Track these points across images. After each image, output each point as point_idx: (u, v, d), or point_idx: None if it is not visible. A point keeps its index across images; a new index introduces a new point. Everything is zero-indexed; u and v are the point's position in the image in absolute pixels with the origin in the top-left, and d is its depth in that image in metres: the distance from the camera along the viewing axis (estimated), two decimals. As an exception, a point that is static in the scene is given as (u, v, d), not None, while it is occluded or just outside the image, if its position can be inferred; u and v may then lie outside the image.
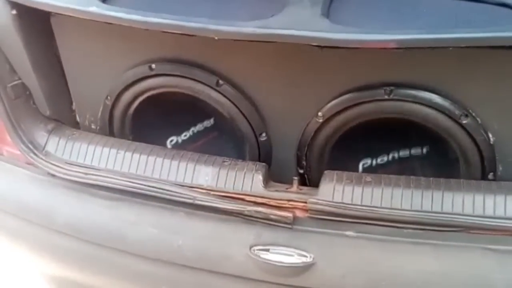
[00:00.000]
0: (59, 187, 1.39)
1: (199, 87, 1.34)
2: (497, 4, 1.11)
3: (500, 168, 1.24)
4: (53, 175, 1.38)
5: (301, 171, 1.40)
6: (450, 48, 1.05)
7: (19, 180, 1.44)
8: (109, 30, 1.26)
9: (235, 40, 1.13)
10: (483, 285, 1.14)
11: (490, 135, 1.22)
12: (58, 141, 1.42)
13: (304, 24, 1.04)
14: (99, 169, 1.35)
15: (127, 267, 1.35)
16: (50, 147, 1.42)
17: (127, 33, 1.28)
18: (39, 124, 1.44)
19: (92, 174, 1.34)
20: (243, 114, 1.35)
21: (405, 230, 1.17)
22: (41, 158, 1.39)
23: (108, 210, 1.34)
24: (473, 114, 1.20)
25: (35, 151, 1.40)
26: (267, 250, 1.23)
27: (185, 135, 1.57)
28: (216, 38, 1.09)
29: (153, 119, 1.50)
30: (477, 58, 1.13)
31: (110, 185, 1.32)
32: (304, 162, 1.38)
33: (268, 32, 1.05)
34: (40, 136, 1.43)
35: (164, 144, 1.55)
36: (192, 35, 1.15)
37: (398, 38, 0.99)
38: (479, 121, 1.21)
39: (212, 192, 1.27)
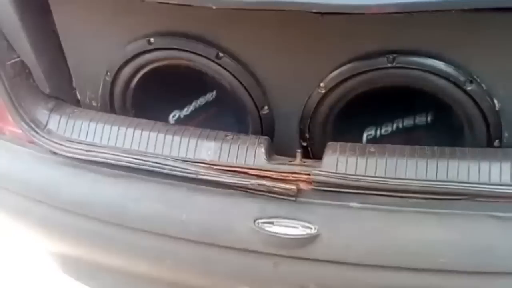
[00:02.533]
0: (62, 165, 1.38)
1: (199, 60, 1.33)
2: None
3: (506, 135, 1.22)
4: (55, 153, 1.37)
5: (304, 144, 1.39)
6: (453, 11, 1.03)
7: (21, 159, 1.44)
8: (106, 4, 1.25)
9: (234, 10, 1.11)
10: (488, 253, 1.13)
11: (496, 102, 1.19)
12: (59, 119, 1.41)
13: (302, -10, 1.02)
14: (101, 146, 1.35)
15: (131, 243, 1.36)
16: (52, 125, 1.41)
17: (125, 7, 1.27)
18: (39, 102, 1.44)
19: (94, 151, 1.33)
20: (244, 87, 1.34)
21: (409, 200, 1.16)
22: (43, 137, 1.38)
23: (111, 186, 1.34)
24: (478, 80, 1.18)
25: (37, 130, 1.39)
26: (272, 223, 1.22)
27: (187, 110, 1.56)
28: (213, 7, 1.07)
29: (155, 95, 1.49)
30: (481, 21, 1.10)
31: (112, 161, 1.32)
32: (307, 135, 1.37)
33: (267, 0, 1.03)
34: (41, 114, 1.42)
35: (166, 120, 1.55)
36: (190, 6, 1.12)
37: (399, 1, 0.97)
38: (484, 87, 1.18)
39: (215, 167, 1.26)
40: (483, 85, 1.18)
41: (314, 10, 1.05)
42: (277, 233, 1.21)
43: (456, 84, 1.19)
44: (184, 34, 1.31)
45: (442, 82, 1.19)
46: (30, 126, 1.40)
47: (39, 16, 1.38)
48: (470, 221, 1.14)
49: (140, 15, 1.32)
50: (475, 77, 1.18)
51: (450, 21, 1.11)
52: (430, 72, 1.19)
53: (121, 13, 1.33)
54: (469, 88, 1.18)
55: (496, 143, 1.23)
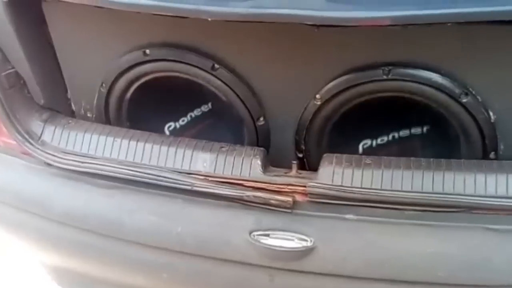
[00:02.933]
0: (56, 177, 1.38)
1: (195, 71, 1.32)
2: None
3: (502, 147, 1.23)
4: (49, 165, 1.36)
5: (300, 155, 1.38)
6: (449, 24, 1.03)
7: (15, 170, 1.43)
8: (102, 15, 1.24)
9: (229, 22, 1.10)
10: (485, 266, 1.13)
11: (491, 114, 1.20)
12: (54, 130, 1.40)
13: (298, 3, 1.02)
14: (96, 158, 1.34)
15: (126, 255, 1.35)
16: (46, 137, 1.41)
17: (120, 18, 1.27)
18: (34, 113, 1.43)
19: (89, 163, 1.33)
20: (240, 99, 1.33)
21: (406, 212, 1.16)
22: (37, 148, 1.37)
23: (106, 198, 1.33)
24: (473, 92, 1.18)
25: (31, 141, 1.39)
26: (267, 235, 1.22)
27: (183, 120, 1.56)
28: (209, 19, 1.07)
29: (150, 105, 1.48)
30: (476, 34, 1.11)
31: (107, 173, 1.31)
32: (302, 146, 1.37)
33: (262, 12, 1.03)
34: (36, 125, 1.42)
35: (162, 130, 1.54)
36: (185, 18, 1.12)
37: (393, 14, 0.97)
38: (480, 100, 1.19)
39: (210, 178, 1.26)
40: (479, 97, 1.18)
41: (310, 23, 1.06)
42: (273, 245, 1.20)
43: (452, 96, 1.19)
44: (179, 45, 1.31)
45: (437, 94, 1.20)
46: (24, 137, 1.39)
47: (34, 27, 1.38)
48: (467, 233, 1.14)
49: (136, 26, 1.31)
50: (470, 89, 1.18)
51: (445, 34, 1.12)
52: (425, 84, 1.19)
53: (116, 24, 1.33)
54: (464, 100, 1.18)
55: (492, 155, 1.23)
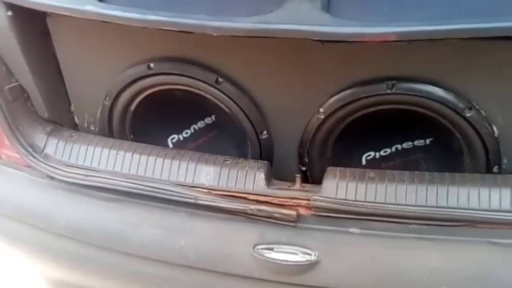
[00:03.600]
0: (59, 190, 1.37)
1: (199, 85, 1.33)
2: (499, -6, 1.10)
3: (505, 161, 1.23)
4: (52, 178, 1.36)
5: (304, 168, 1.39)
6: (453, 40, 1.04)
7: (18, 183, 1.43)
8: (106, 29, 1.25)
9: (234, 36, 1.11)
10: (489, 280, 1.13)
11: (495, 128, 1.20)
12: (57, 143, 1.41)
13: (304, 19, 1.03)
14: (99, 171, 1.34)
15: (129, 269, 1.34)
16: (49, 150, 1.41)
17: (125, 32, 1.27)
18: (37, 127, 1.43)
19: (92, 176, 1.33)
20: (244, 112, 1.34)
21: (410, 226, 1.16)
22: (40, 161, 1.37)
23: (109, 211, 1.33)
24: (477, 106, 1.19)
25: (34, 154, 1.39)
26: (271, 249, 1.21)
27: (186, 133, 1.56)
28: (214, 34, 1.07)
29: (153, 118, 1.49)
30: (480, 49, 1.12)
31: (110, 186, 1.31)
32: (306, 159, 1.37)
33: (268, 28, 1.04)
34: (39, 138, 1.42)
35: (165, 143, 1.55)
36: (190, 33, 1.13)
37: (399, 30, 0.98)
38: (483, 114, 1.19)
39: (214, 192, 1.26)
40: (482, 112, 1.19)
41: (315, 38, 1.06)
42: (277, 259, 1.20)
43: (455, 110, 1.19)
44: (184, 59, 1.32)
45: (441, 108, 1.20)
46: (28, 150, 1.39)
47: (38, 41, 1.38)
48: (471, 247, 1.14)
49: (140, 40, 1.32)
50: (474, 103, 1.19)
51: (449, 49, 1.12)
52: (429, 98, 1.19)
53: (121, 38, 1.33)
54: (468, 114, 1.19)
55: (495, 169, 1.23)
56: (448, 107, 1.19)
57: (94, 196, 1.34)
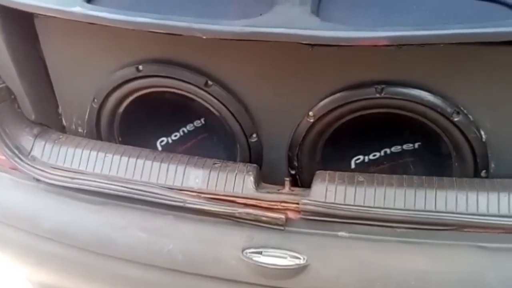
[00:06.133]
0: (45, 192, 1.36)
1: (188, 87, 1.32)
2: (486, -1, 1.11)
3: (493, 165, 1.24)
4: (39, 180, 1.35)
5: (293, 172, 1.38)
6: (441, 45, 1.04)
7: (4, 186, 1.41)
8: (94, 31, 1.24)
9: (223, 39, 1.10)
10: (476, 284, 1.14)
11: (482, 133, 1.21)
12: (44, 146, 1.39)
13: (293, 22, 1.03)
14: (86, 173, 1.33)
15: (117, 273, 1.33)
16: (36, 152, 1.39)
17: (113, 34, 1.26)
18: (24, 129, 1.42)
19: (79, 179, 1.32)
20: (233, 115, 1.33)
21: (398, 230, 1.16)
22: (27, 163, 1.36)
23: (96, 214, 1.32)
24: (465, 111, 1.20)
25: (21, 156, 1.37)
26: (260, 252, 1.21)
27: (175, 136, 1.56)
28: (203, 37, 1.07)
29: (142, 121, 1.48)
30: (468, 54, 1.12)
31: (97, 189, 1.30)
32: (295, 163, 1.37)
33: (257, 31, 1.03)
34: (26, 140, 1.40)
35: (154, 146, 1.54)
36: (179, 35, 1.12)
37: (388, 35, 0.98)
38: (471, 119, 1.20)
39: (202, 195, 1.25)
40: (470, 116, 1.20)
41: (304, 42, 1.06)
42: (265, 263, 1.19)
43: (444, 115, 1.20)
44: (172, 61, 1.31)
45: (429, 112, 1.21)
46: (14, 153, 1.37)
47: (26, 42, 1.37)
48: (459, 251, 1.15)
49: (129, 43, 1.31)
50: (462, 108, 1.19)
51: (437, 54, 1.13)
52: (417, 102, 1.20)
53: (109, 40, 1.32)
54: (456, 119, 1.20)
55: (483, 173, 1.24)
56: (437, 111, 1.20)
57: (81, 199, 1.33)
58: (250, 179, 1.25)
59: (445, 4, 1.10)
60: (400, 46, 1.05)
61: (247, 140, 1.36)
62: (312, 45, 1.13)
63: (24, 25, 1.35)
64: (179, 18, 1.07)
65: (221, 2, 1.20)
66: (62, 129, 1.52)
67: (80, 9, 1.11)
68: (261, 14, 1.08)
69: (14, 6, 1.18)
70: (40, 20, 1.35)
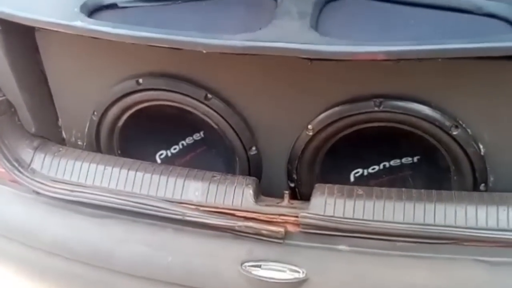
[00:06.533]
0: (45, 205, 1.36)
1: (188, 101, 1.33)
2: (484, 14, 1.11)
3: (492, 179, 1.24)
4: (38, 193, 1.35)
5: (292, 185, 1.39)
6: (439, 59, 1.05)
7: (3, 199, 1.41)
8: (95, 45, 1.25)
9: (223, 53, 1.11)
10: (476, 298, 1.13)
11: (481, 146, 1.22)
12: (44, 158, 1.39)
13: (292, 37, 1.03)
14: (85, 186, 1.32)
15: (116, 286, 1.33)
16: (36, 164, 1.39)
17: (113, 48, 1.27)
18: (24, 141, 1.42)
19: (79, 191, 1.31)
20: (233, 128, 1.34)
21: (397, 243, 1.16)
22: (26, 176, 1.36)
23: (96, 227, 1.32)
24: (464, 125, 1.20)
25: (20, 169, 1.37)
26: (259, 266, 1.21)
27: (174, 149, 1.56)
28: (204, 51, 1.08)
29: (142, 133, 1.48)
30: (466, 69, 1.13)
31: (97, 202, 1.30)
32: (294, 176, 1.37)
33: (257, 45, 1.04)
34: (26, 153, 1.40)
35: (153, 158, 1.54)
36: (180, 49, 1.13)
37: (386, 49, 0.99)
38: (470, 132, 1.20)
39: (202, 208, 1.25)
40: (469, 130, 1.20)
41: (303, 56, 1.07)
42: (265, 277, 1.19)
43: (442, 128, 1.21)
44: (173, 75, 1.32)
45: (428, 126, 1.21)
46: (13, 165, 1.37)
47: (27, 55, 1.37)
48: (458, 265, 1.14)
49: (129, 56, 1.32)
50: (460, 122, 1.20)
51: (435, 68, 1.14)
52: (416, 116, 1.21)
53: (109, 53, 1.33)
54: (454, 133, 1.20)
55: (482, 187, 1.25)
56: (435, 125, 1.20)
57: (80, 212, 1.33)
58: (249, 192, 1.25)
59: (443, 19, 1.12)
60: (398, 60, 1.05)
61: (247, 153, 1.37)
62: (311, 59, 1.14)
63: (25, 38, 1.36)
64: (181, 33, 1.07)
65: (221, 16, 1.21)
66: (62, 142, 1.52)
67: (81, 23, 1.12)
68: (261, 28, 1.09)
69: (16, 21, 1.19)
70: (41, 33, 1.36)
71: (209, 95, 1.31)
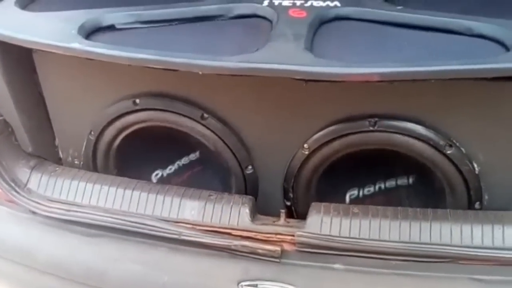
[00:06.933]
0: (42, 225, 1.35)
1: (184, 121, 1.34)
2: (475, 36, 1.13)
3: (486, 197, 1.25)
4: (35, 213, 1.35)
5: (288, 203, 1.39)
6: (432, 80, 1.06)
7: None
8: (92, 66, 1.25)
9: (219, 74, 1.13)
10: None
11: (475, 165, 1.23)
12: (41, 178, 1.39)
13: (287, 58, 1.05)
14: (81, 206, 1.32)
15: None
16: (32, 184, 1.39)
17: (110, 68, 1.27)
18: (21, 161, 1.42)
19: (75, 211, 1.31)
20: (229, 147, 1.35)
21: (393, 262, 1.16)
22: (23, 196, 1.36)
23: (92, 247, 1.31)
24: (457, 144, 1.21)
25: (17, 188, 1.37)
26: (255, 285, 1.21)
27: (170, 169, 1.56)
28: (200, 73, 1.09)
29: (138, 153, 1.49)
30: (459, 89, 1.15)
31: (93, 221, 1.30)
32: (291, 194, 1.38)
33: (252, 67, 1.05)
34: (22, 172, 1.40)
35: (149, 178, 1.54)
36: (176, 70, 1.14)
37: (380, 71, 1.00)
38: (464, 151, 1.22)
39: (198, 227, 1.25)
40: (463, 149, 1.21)
41: (298, 78, 1.08)
42: (261, 296, 1.19)
43: (436, 148, 1.22)
44: (169, 95, 1.33)
45: (422, 145, 1.22)
46: (10, 185, 1.37)
47: (24, 76, 1.38)
48: (453, 284, 1.14)
49: (126, 77, 1.33)
50: (454, 141, 1.21)
51: (429, 88, 1.15)
52: (410, 136, 1.22)
53: (106, 74, 1.34)
54: (449, 152, 1.21)
55: (477, 205, 1.25)
56: (429, 144, 1.22)
57: (77, 231, 1.33)
58: (245, 211, 1.25)
59: (435, 40, 1.13)
60: (392, 81, 1.07)
61: (243, 172, 1.37)
62: (306, 80, 1.15)
63: (23, 59, 1.37)
64: (177, 55, 1.08)
65: (217, 37, 1.22)
66: (59, 161, 1.52)
67: (79, 45, 1.12)
68: (256, 50, 1.10)
69: (14, 42, 1.20)
70: (38, 54, 1.37)
71: (206, 115, 1.32)
